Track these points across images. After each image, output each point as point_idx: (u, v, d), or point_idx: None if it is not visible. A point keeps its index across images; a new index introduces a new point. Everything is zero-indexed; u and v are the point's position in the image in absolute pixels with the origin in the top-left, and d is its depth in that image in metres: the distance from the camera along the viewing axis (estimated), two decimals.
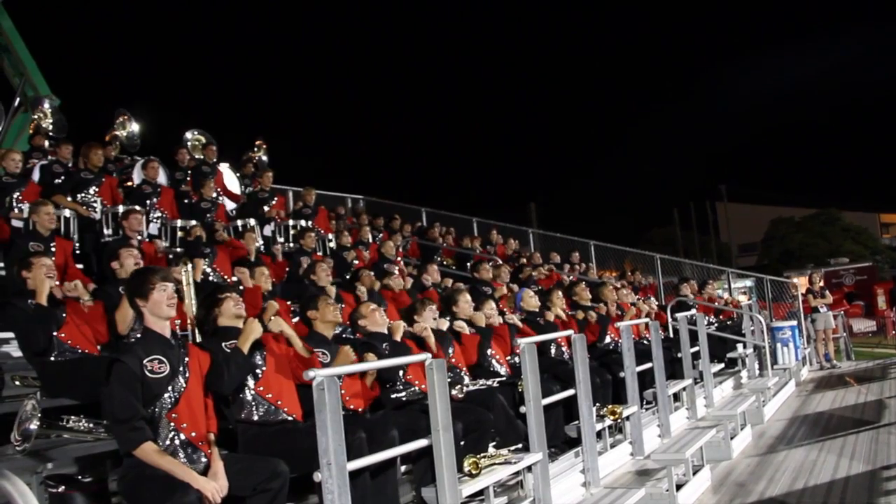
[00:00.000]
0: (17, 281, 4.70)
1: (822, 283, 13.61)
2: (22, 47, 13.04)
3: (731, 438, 6.69)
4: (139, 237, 6.94)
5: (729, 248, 43.32)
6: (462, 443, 4.14)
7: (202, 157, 10.67)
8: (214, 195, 9.27)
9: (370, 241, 10.88)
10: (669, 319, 9.38)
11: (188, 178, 9.98)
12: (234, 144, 12.59)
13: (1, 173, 7.92)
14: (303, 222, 9.87)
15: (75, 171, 8.30)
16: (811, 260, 33.01)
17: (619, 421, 5.83)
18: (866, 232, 40.22)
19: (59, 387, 4.32)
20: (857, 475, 5.65)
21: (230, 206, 10.17)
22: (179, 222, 8.25)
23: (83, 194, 8.06)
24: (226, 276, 7.03)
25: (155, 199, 8.54)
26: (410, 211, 15.33)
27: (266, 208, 10.12)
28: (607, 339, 7.62)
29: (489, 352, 5.80)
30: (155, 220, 8.30)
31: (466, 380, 5.29)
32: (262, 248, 9.02)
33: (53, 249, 5.90)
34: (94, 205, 8.02)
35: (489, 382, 5.28)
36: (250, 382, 3.80)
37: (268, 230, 9.72)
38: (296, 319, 5.42)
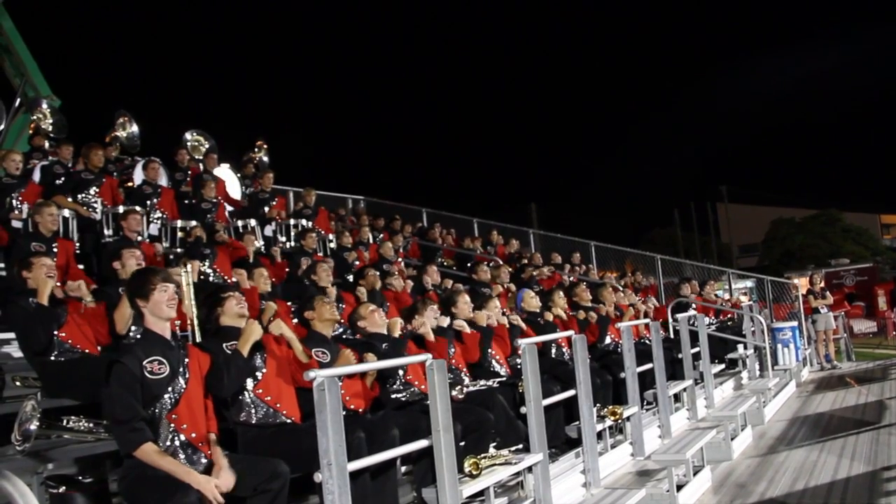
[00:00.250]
0: (17, 281, 4.71)
1: (822, 284, 13.61)
2: (23, 48, 13.04)
3: (732, 439, 6.69)
4: (139, 238, 6.94)
5: (729, 248, 43.32)
6: (462, 443, 4.14)
7: (203, 162, 10.65)
8: (214, 196, 9.26)
9: (370, 241, 10.89)
10: (670, 320, 9.38)
11: (188, 179, 9.99)
12: (235, 145, 12.60)
13: (1, 174, 7.92)
14: (304, 222, 9.87)
15: (76, 172, 8.30)
16: (812, 261, 33.00)
17: (619, 421, 5.83)
18: (867, 233, 40.22)
19: (60, 387, 4.32)
20: (858, 476, 5.65)
21: (230, 208, 10.16)
22: (180, 223, 8.26)
23: (83, 195, 8.05)
24: (226, 277, 7.03)
25: (155, 200, 8.54)
26: (411, 211, 15.33)
27: (266, 209, 10.12)
28: (607, 340, 7.61)
29: (489, 352, 5.80)
30: (155, 221, 8.30)
31: (466, 380, 5.29)
32: (263, 248, 9.02)
33: (55, 250, 5.90)
34: (95, 205, 8.02)
35: (489, 383, 5.28)
36: (249, 385, 3.80)
37: (268, 230, 9.72)
38: (296, 321, 5.42)
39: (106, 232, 7.64)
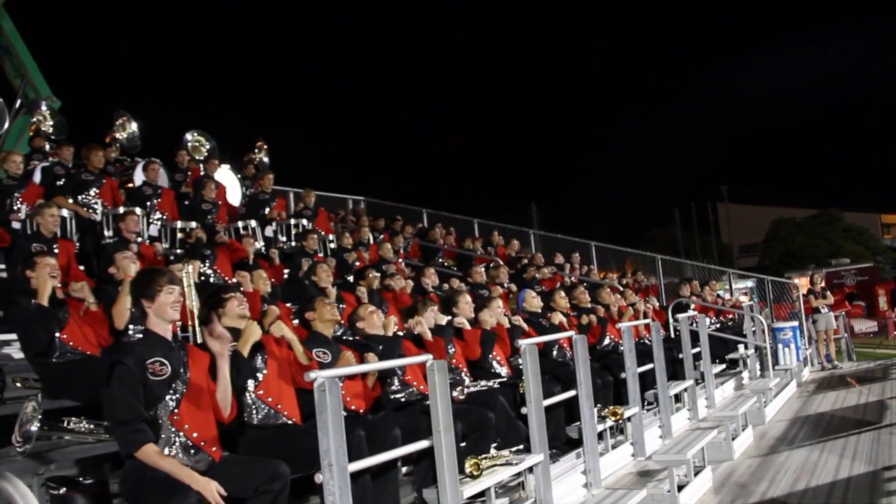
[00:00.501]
0: (20, 280, 4.70)
1: (823, 284, 13.61)
2: (23, 49, 13.05)
3: (733, 439, 6.68)
4: (137, 239, 6.94)
5: (730, 248, 43.32)
6: (463, 444, 4.14)
7: (204, 167, 10.64)
8: (214, 196, 9.26)
9: (370, 242, 10.89)
10: (670, 320, 9.38)
11: (188, 180, 9.99)
12: (235, 145, 12.60)
13: (2, 176, 7.92)
14: (304, 222, 9.88)
15: (76, 173, 8.31)
16: (812, 260, 33.02)
17: (620, 422, 5.82)
18: (867, 232, 40.23)
19: (60, 388, 4.32)
20: (859, 476, 5.64)
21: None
22: (179, 223, 8.25)
23: (84, 196, 8.06)
24: (226, 278, 7.04)
25: (156, 201, 8.55)
26: (411, 212, 15.32)
27: (267, 210, 10.12)
28: (606, 341, 7.60)
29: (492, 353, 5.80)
30: (155, 222, 8.30)
31: (467, 380, 5.29)
32: (264, 249, 9.03)
33: (56, 251, 5.90)
34: (95, 206, 8.02)
35: (490, 383, 5.28)
36: (250, 386, 3.80)
37: (269, 231, 9.73)
38: (296, 322, 5.42)
39: (106, 233, 7.64)
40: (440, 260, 12.25)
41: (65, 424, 3.67)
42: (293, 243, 9.52)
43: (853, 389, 10.09)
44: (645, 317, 9.09)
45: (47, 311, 4.40)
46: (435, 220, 14.81)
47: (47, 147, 9.89)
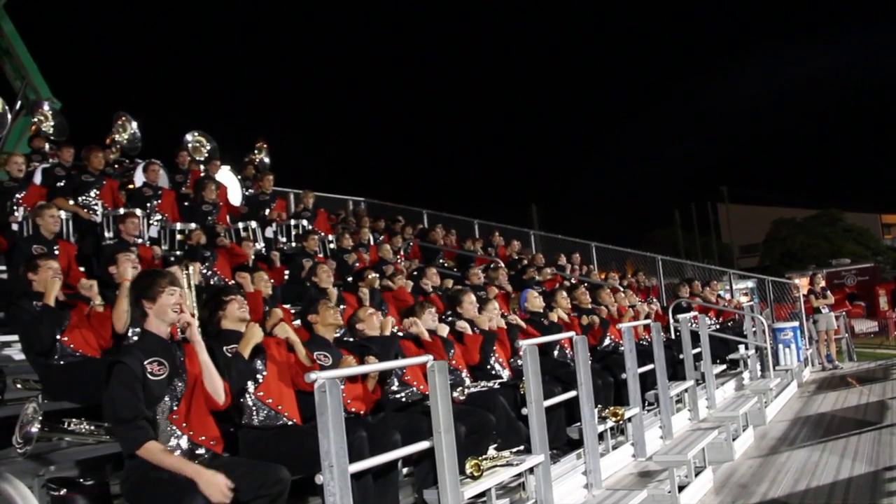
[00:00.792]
0: (22, 282, 4.69)
1: (823, 284, 13.60)
2: (23, 50, 13.05)
3: (734, 440, 6.68)
4: (137, 240, 6.93)
5: (730, 249, 43.31)
6: (462, 445, 4.14)
7: (206, 167, 10.64)
8: (215, 198, 9.26)
9: (370, 243, 10.89)
10: (671, 321, 9.37)
11: (189, 181, 9.99)
12: (235, 146, 12.59)
13: (4, 178, 7.91)
14: (304, 223, 9.88)
15: (76, 174, 8.31)
16: (813, 261, 33.03)
17: (620, 422, 5.82)
18: (868, 233, 40.23)
19: (61, 390, 4.31)
20: (860, 476, 5.64)
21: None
22: (179, 225, 8.24)
23: (84, 197, 8.06)
24: (226, 280, 7.04)
25: (156, 202, 8.55)
26: (412, 213, 15.32)
27: (267, 211, 10.13)
28: (606, 342, 7.59)
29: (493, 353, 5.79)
30: (155, 223, 8.30)
31: (467, 381, 5.29)
32: (264, 250, 9.03)
33: (56, 252, 5.90)
34: (95, 207, 8.02)
35: (490, 384, 5.27)
36: (251, 387, 3.81)
37: (269, 232, 9.73)
38: (296, 323, 5.42)
39: (106, 234, 7.64)
40: (440, 261, 12.25)
41: (65, 426, 3.67)
42: (293, 244, 9.52)
43: (854, 390, 10.09)
44: (647, 317, 9.08)
45: (53, 312, 4.39)
46: (435, 221, 14.81)
47: (47, 147, 9.90)
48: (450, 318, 6.20)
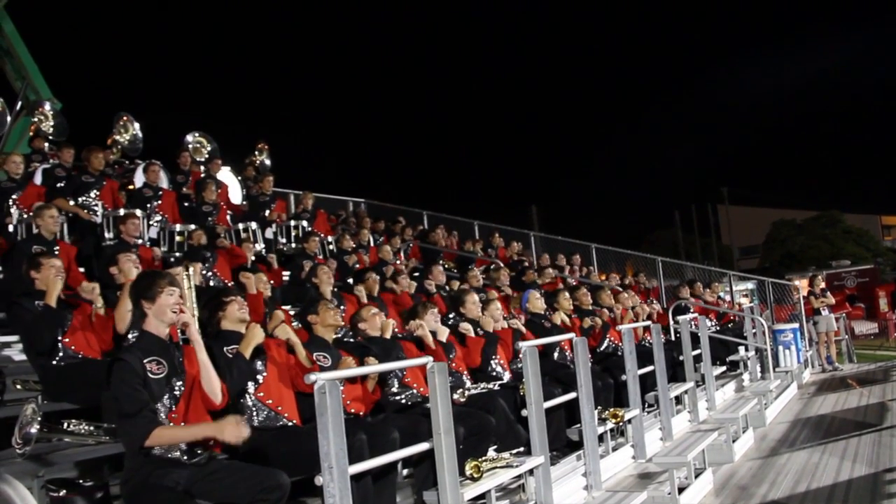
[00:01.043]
0: (24, 281, 4.67)
1: (823, 286, 13.59)
2: (24, 51, 13.07)
3: (733, 441, 6.68)
4: (138, 241, 6.93)
5: (730, 250, 43.32)
6: (461, 446, 4.13)
7: (207, 167, 10.64)
8: (215, 198, 9.26)
9: (371, 244, 10.88)
10: (671, 322, 9.37)
11: (190, 181, 9.99)
12: (235, 147, 12.60)
13: (2, 178, 7.91)
14: (304, 224, 9.88)
15: (76, 175, 8.30)
16: (813, 262, 33.00)
17: (620, 424, 5.81)
18: (868, 234, 40.24)
19: (61, 390, 4.31)
20: (860, 478, 5.64)
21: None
22: (178, 227, 8.23)
23: (84, 197, 8.06)
24: (225, 281, 7.03)
25: (156, 203, 8.55)
26: (412, 214, 15.32)
27: (267, 212, 10.12)
28: (606, 343, 7.56)
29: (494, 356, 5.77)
30: (155, 224, 8.29)
31: (468, 383, 5.28)
32: (264, 251, 9.03)
33: (57, 253, 5.89)
34: (95, 208, 8.02)
35: (490, 386, 5.26)
36: (251, 388, 3.81)
37: (269, 233, 9.73)
38: (296, 325, 5.42)
39: (106, 235, 7.63)
40: (440, 262, 12.23)
41: (65, 427, 3.67)
42: (293, 245, 9.52)
43: (854, 391, 10.08)
44: (649, 318, 9.08)
45: (55, 313, 4.38)
46: (435, 222, 14.81)
47: (46, 147, 9.89)
48: (452, 320, 6.19)
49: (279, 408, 3.85)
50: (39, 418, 3.41)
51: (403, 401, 4.69)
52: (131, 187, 9.26)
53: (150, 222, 8.20)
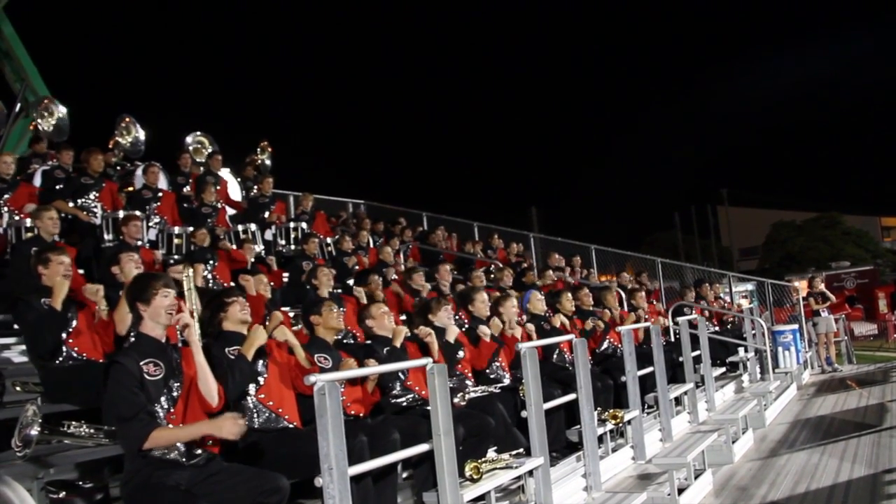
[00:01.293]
0: (32, 276, 4.63)
1: (823, 287, 13.59)
2: (23, 53, 13.06)
3: (733, 442, 6.68)
4: (138, 243, 6.93)
5: (730, 251, 43.34)
6: (460, 447, 4.13)
7: (206, 164, 10.64)
8: (214, 200, 9.26)
9: (370, 245, 10.88)
10: (670, 323, 9.37)
11: (190, 182, 9.99)
12: (235, 148, 12.58)
13: None
14: (303, 225, 9.88)
15: (75, 177, 8.30)
16: (812, 263, 33.01)
17: (620, 425, 5.81)
18: (867, 235, 40.26)
19: (62, 392, 4.31)
20: (859, 479, 5.64)
21: (231, 210, 10.16)
22: (177, 229, 8.23)
23: (83, 199, 8.05)
24: (224, 283, 7.03)
25: (155, 205, 8.54)
26: (411, 216, 15.31)
27: (266, 214, 10.12)
28: (605, 345, 7.55)
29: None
30: (154, 226, 8.28)
31: (470, 386, 5.27)
32: (263, 252, 9.03)
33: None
34: (95, 210, 8.01)
35: (491, 389, 5.26)
36: (252, 389, 3.81)
37: (268, 234, 9.73)
38: (297, 328, 5.42)
39: (106, 237, 7.63)
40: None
41: (65, 428, 3.67)
42: (292, 247, 9.51)
43: (853, 392, 10.08)
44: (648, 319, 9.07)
45: (58, 315, 4.37)
46: (435, 224, 14.81)
47: (45, 146, 9.88)
48: (466, 326, 6.13)
49: (280, 410, 3.85)
50: (39, 420, 3.41)
51: (404, 404, 4.69)
52: (130, 189, 9.26)
53: (149, 224, 8.19)
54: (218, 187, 9.61)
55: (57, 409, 4.19)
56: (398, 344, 4.89)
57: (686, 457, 5.44)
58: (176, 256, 7.80)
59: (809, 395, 10.37)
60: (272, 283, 7.10)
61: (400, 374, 4.69)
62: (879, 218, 46.38)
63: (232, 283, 6.67)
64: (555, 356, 6.67)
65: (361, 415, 4.27)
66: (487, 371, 5.65)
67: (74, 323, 4.48)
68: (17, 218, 7.04)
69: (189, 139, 11.19)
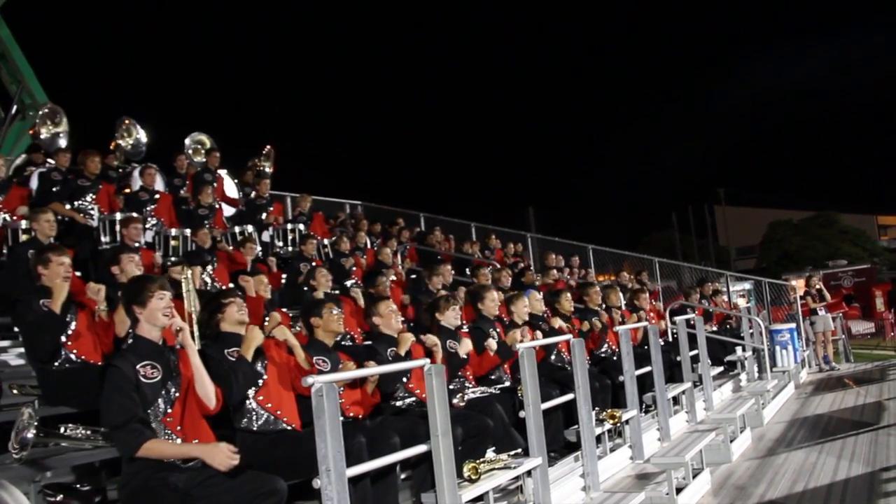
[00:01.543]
0: (32, 276, 4.60)
1: (820, 286, 13.61)
2: (19, 55, 13.05)
3: (731, 441, 6.68)
4: (138, 245, 6.91)
5: (727, 251, 43.38)
6: (459, 448, 4.13)
7: (204, 161, 10.62)
8: (211, 201, 9.25)
9: (367, 246, 10.87)
10: (668, 324, 9.38)
11: (187, 184, 9.98)
12: (232, 150, 12.55)
13: None
14: (300, 227, 9.87)
15: (72, 179, 8.29)
16: (809, 262, 33.05)
17: (618, 425, 5.81)
18: (864, 234, 40.36)
19: (60, 395, 4.30)
20: (857, 477, 5.65)
21: (229, 211, 10.15)
22: (174, 231, 8.22)
23: (80, 201, 8.04)
24: (223, 285, 7.02)
25: (151, 206, 8.54)
26: (409, 216, 15.31)
27: (264, 215, 10.11)
28: (604, 347, 7.51)
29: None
30: (151, 228, 8.27)
31: (469, 388, 5.25)
32: (261, 253, 9.02)
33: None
34: (91, 212, 8.00)
35: (490, 390, 5.25)
36: (251, 391, 3.79)
37: (266, 236, 9.72)
38: (297, 327, 5.41)
39: (103, 238, 7.62)
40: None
41: (62, 431, 3.66)
42: (290, 248, 9.50)
43: (851, 391, 10.10)
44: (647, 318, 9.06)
45: (57, 318, 4.34)
46: (432, 224, 14.80)
47: (42, 155, 9.86)
48: (469, 326, 6.08)
49: (278, 412, 3.83)
50: (36, 423, 3.41)
51: (403, 405, 4.68)
52: (127, 190, 9.25)
53: (146, 226, 8.18)
54: (215, 185, 9.58)
55: (55, 411, 4.18)
56: (402, 351, 4.78)
57: (684, 456, 5.44)
58: (173, 258, 7.78)
59: (807, 393, 10.39)
60: (270, 285, 7.08)
61: (403, 377, 4.67)
62: (876, 216, 46.52)
63: (231, 285, 6.65)
64: (552, 356, 6.66)
65: (360, 416, 4.27)
66: (489, 375, 5.64)
67: (74, 325, 4.46)
68: (9, 220, 7.01)
69: (188, 141, 11.17)
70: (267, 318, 5.54)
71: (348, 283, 8.60)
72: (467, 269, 11.42)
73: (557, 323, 7.08)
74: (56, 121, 10.85)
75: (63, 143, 10.32)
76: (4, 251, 6.67)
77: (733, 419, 7.12)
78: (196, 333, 4.29)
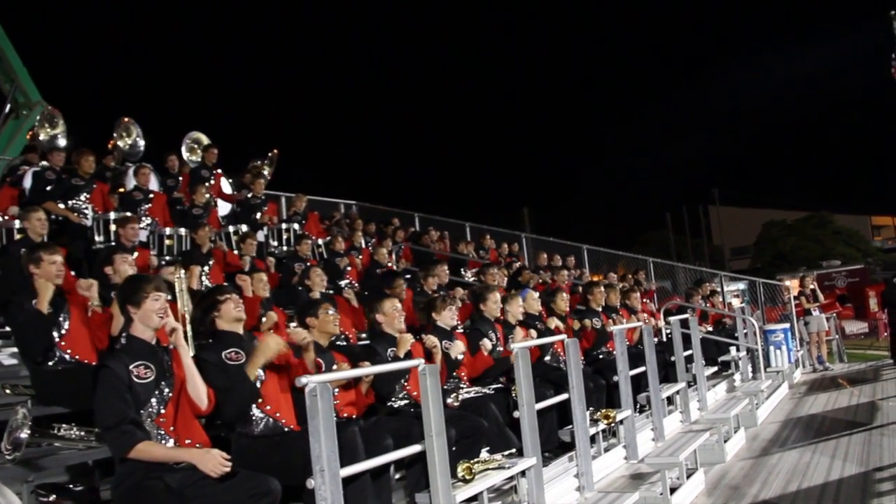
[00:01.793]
0: (24, 276, 4.57)
1: (814, 286, 13.65)
2: (13, 54, 13.01)
3: (725, 441, 6.69)
4: (134, 245, 6.89)
5: (721, 251, 43.50)
6: (454, 448, 4.13)
7: (201, 158, 10.58)
8: (206, 200, 9.21)
9: (363, 246, 10.86)
10: (662, 324, 9.39)
11: (181, 183, 9.94)
12: (228, 151, 12.51)
13: None
14: (295, 227, 9.84)
15: (66, 178, 8.26)
16: (803, 263, 33.16)
17: (612, 425, 5.82)
18: (858, 234, 40.49)
19: (53, 395, 4.29)
20: (850, 477, 5.66)
21: (224, 209, 10.12)
22: (168, 231, 8.19)
23: (74, 201, 8.01)
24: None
25: (146, 206, 8.51)
26: (403, 216, 15.30)
27: (258, 215, 10.08)
28: (601, 347, 7.51)
29: None
30: (145, 228, 8.24)
31: (463, 388, 5.25)
32: (255, 252, 8.99)
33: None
34: (86, 211, 7.97)
35: (484, 390, 5.25)
36: None
37: (260, 236, 9.69)
38: (293, 326, 5.39)
39: (97, 238, 7.59)
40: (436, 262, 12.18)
41: (55, 431, 3.66)
42: (284, 248, 9.48)
43: (844, 391, 10.13)
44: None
45: (45, 318, 4.32)
46: (427, 224, 14.79)
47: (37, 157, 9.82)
48: (469, 328, 6.08)
49: (277, 414, 3.78)
50: (29, 423, 3.39)
51: (397, 405, 4.68)
52: (122, 190, 9.22)
53: (140, 226, 8.15)
54: (212, 182, 9.55)
55: (48, 411, 4.16)
56: (402, 353, 4.75)
57: (678, 456, 5.45)
58: (167, 258, 7.76)
59: (801, 393, 10.41)
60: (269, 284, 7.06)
61: (402, 380, 4.66)
62: (870, 217, 46.65)
63: (238, 284, 6.61)
64: (547, 357, 6.66)
65: (354, 416, 4.26)
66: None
67: (66, 325, 4.44)
68: (3, 219, 6.98)
69: (186, 140, 11.13)
70: (263, 318, 5.54)
71: (342, 283, 8.60)
72: (461, 269, 11.44)
73: (553, 323, 7.09)
74: (54, 123, 10.81)
75: (62, 142, 10.29)
76: None
77: (727, 419, 7.13)
78: (189, 333, 4.27)
